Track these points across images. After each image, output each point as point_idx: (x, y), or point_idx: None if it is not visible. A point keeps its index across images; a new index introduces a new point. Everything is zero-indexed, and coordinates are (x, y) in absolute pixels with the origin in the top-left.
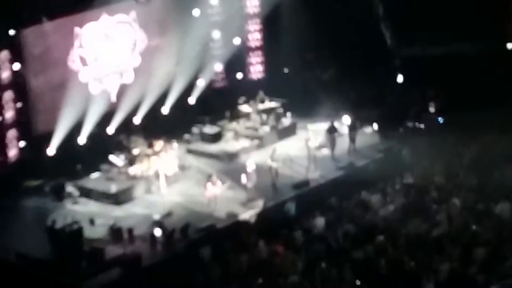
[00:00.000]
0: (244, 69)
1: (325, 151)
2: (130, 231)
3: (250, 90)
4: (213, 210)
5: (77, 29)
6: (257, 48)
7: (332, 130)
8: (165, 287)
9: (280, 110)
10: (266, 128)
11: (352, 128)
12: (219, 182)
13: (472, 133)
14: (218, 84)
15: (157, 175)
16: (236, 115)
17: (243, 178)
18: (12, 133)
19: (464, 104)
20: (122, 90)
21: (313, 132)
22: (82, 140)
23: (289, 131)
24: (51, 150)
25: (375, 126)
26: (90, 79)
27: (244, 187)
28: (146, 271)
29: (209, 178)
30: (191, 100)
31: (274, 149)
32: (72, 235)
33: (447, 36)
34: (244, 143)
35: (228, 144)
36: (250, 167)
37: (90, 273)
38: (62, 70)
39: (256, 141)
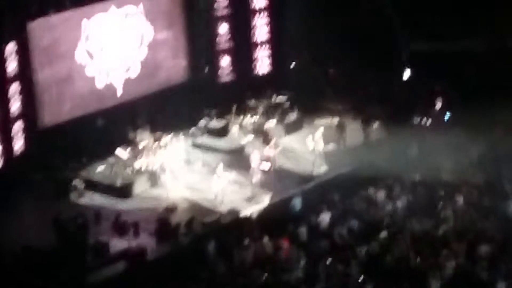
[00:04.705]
0: (251, 63)
1: (332, 147)
2: (135, 224)
3: (257, 84)
4: (219, 204)
5: (84, 22)
6: (264, 43)
7: (340, 126)
8: (170, 281)
9: (287, 105)
10: (273, 123)
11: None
12: (225, 173)
13: (480, 129)
14: (225, 78)
15: (162, 169)
16: (242, 110)
17: (249, 173)
18: (18, 126)
19: (471, 100)
20: (128, 83)
21: (320, 127)
22: (88, 133)
23: (295, 126)
24: (57, 143)
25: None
26: (96, 73)
27: (249, 182)
28: (150, 265)
29: (214, 170)
30: (198, 94)
31: (275, 139)
32: (77, 229)
33: (455, 31)
34: (250, 137)
35: (234, 139)
36: (256, 162)
37: (95, 266)
38: (69, 63)
39: (262, 136)
